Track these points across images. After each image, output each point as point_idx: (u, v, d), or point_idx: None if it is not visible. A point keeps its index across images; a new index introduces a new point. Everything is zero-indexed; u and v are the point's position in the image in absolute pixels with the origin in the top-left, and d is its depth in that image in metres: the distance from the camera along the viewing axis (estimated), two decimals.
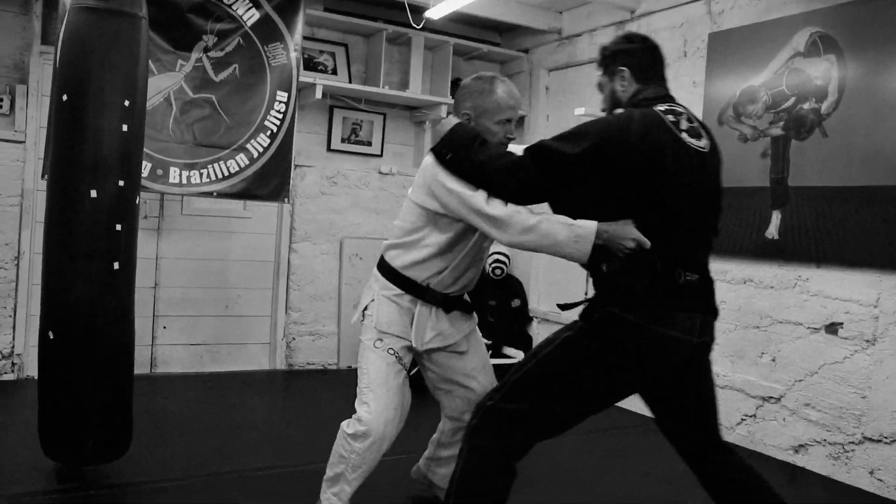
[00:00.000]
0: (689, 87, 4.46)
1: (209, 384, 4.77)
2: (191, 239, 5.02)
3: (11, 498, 2.88)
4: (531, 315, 5.53)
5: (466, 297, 2.67)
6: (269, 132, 4.60)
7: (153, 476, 3.16)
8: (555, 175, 2.09)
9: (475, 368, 2.66)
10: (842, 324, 3.64)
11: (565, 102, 5.45)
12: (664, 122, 2.10)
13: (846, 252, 3.59)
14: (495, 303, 5.37)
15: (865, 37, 3.54)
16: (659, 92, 2.24)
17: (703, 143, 2.19)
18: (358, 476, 2.47)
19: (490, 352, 5.23)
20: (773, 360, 3.94)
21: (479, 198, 2.21)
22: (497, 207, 2.18)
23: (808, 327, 3.78)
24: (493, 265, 5.36)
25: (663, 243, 2.07)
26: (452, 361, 2.63)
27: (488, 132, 2.40)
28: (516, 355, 5.28)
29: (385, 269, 2.57)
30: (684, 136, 2.12)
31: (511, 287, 5.48)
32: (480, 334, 2.77)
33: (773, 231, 3.91)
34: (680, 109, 2.20)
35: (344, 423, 2.50)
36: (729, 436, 4.09)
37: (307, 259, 5.34)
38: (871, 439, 3.50)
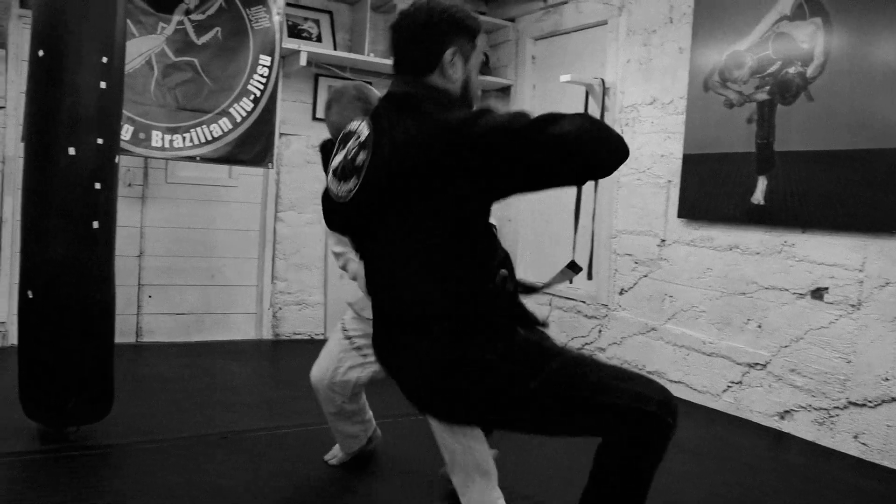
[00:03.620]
0: (674, 53, 4.44)
1: (195, 353, 4.74)
2: (175, 207, 4.97)
3: None
4: None
5: None
6: (252, 97, 4.55)
7: (136, 437, 3.14)
8: None
9: None
10: (827, 289, 3.64)
11: (551, 71, 5.41)
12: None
13: (831, 216, 3.59)
14: None
15: None
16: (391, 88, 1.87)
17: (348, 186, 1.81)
18: None
19: None
20: (759, 327, 3.94)
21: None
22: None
23: (794, 293, 3.78)
24: None
25: None
26: None
27: None
28: None
29: None
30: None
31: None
32: None
33: (759, 196, 3.90)
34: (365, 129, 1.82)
35: None
36: (714, 403, 4.11)
37: (293, 228, 5.30)
38: (855, 404, 3.51)
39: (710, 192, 4.17)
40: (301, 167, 5.32)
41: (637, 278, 4.67)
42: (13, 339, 4.50)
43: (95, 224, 2.83)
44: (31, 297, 2.82)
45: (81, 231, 2.81)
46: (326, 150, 2.61)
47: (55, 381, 2.83)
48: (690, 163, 4.29)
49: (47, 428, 2.99)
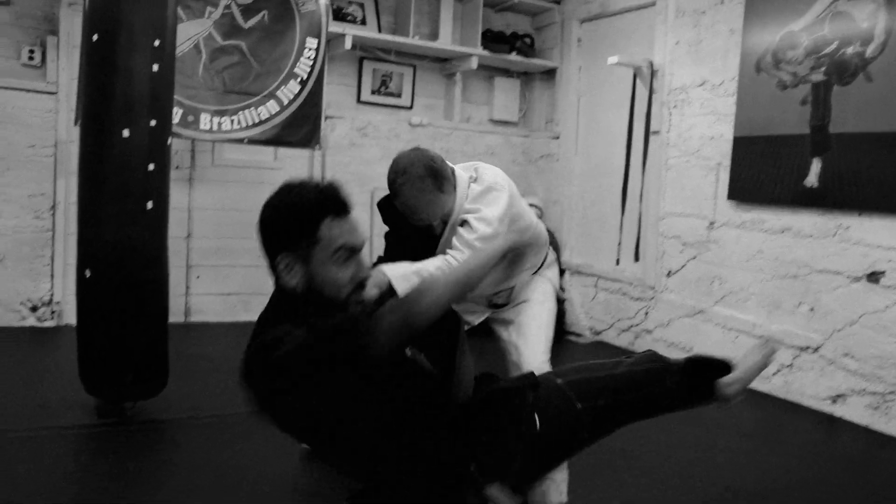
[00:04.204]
0: (725, 34, 4.35)
1: (243, 333, 4.78)
2: (222, 190, 5.03)
3: (56, 430, 2.97)
4: (563, 268, 5.49)
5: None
6: (299, 79, 4.58)
7: (188, 413, 3.22)
8: None
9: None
10: (884, 272, 3.56)
11: (598, 53, 5.35)
12: None
13: (890, 199, 3.50)
14: None
15: None
16: None
17: None
18: None
19: None
20: (812, 310, 3.87)
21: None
22: None
23: (849, 276, 3.70)
24: None
25: None
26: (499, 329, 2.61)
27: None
28: None
29: None
30: None
31: None
32: (534, 307, 2.58)
33: (812, 179, 3.82)
34: None
35: None
36: (764, 386, 4.05)
37: None
38: None
39: (762, 174, 4.09)
40: (346, 149, 5.33)
41: (685, 261, 4.61)
42: (68, 318, 4.61)
43: (149, 205, 2.88)
44: (88, 276, 2.87)
45: (136, 212, 2.86)
46: (382, 208, 2.46)
47: (112, 359, 2.89)
48: (741, 145, 4.21)
49: (105, 403, 3.06)
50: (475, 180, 2.30)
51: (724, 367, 1.96)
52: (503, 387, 1.83)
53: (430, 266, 2.11)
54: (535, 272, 2.60)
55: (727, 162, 4.31)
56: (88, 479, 2.58)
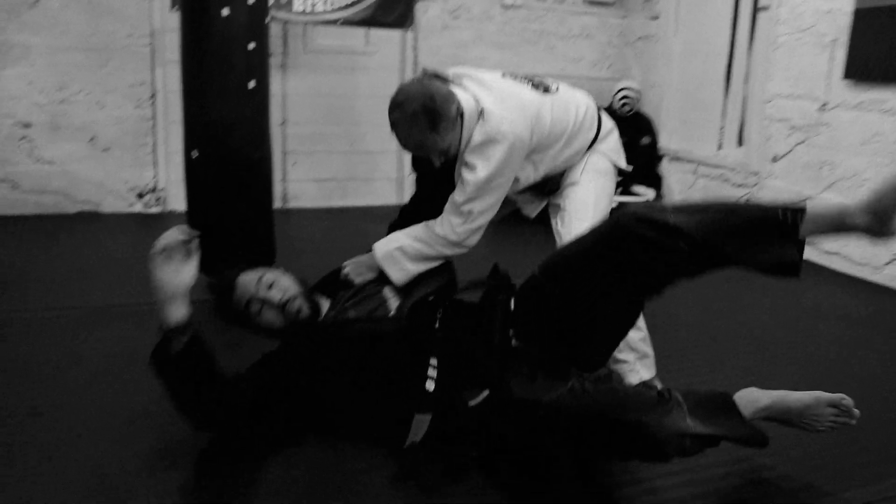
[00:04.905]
0: None
1: (339, 217, 4.89)
2: (315, 76, 5.01)
3: None
4: (661, 153, 5.33)
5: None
6: None
7: None
8: None
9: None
10: None
11: None
12: None
13: None
14: (624, 140, 5.18)
15: None
16: None
17: None
18: None
19: (619, 189, 5.10)
20: None
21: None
22: None
23: None
24: (621, 101, 5.14)
25: None
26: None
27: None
28: (646, 194, 5.13)
29: None
30: None
31: (640, 124, 5.26)
32: (580, 190, 2.46)
33: None
34: None
35: None
36: (875, 276, 3.89)
37: None
38: None
39: (885, 49, 3.80)
40: (437, 33, 5.21)
41: (792, 145, 4.40)
42: (172, 204, 4.77)
43: (251, 84, 2.88)
44: (195, 157, 2.93)
45: (239, 91, 2.87)
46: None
47: (221, 237, 2.96)
48: (862, 18, 3.90)
49: (216, 280, 3.16)
50: (482, 116, 2.20)
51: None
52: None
53: (411, 237, 2.33)
54: (589, 148, 2.44)
55: (844, 38, 4.02)
56: None
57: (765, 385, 1.87)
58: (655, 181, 5.23)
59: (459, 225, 2.28)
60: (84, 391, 2.30)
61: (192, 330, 1.80)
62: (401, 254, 2.32)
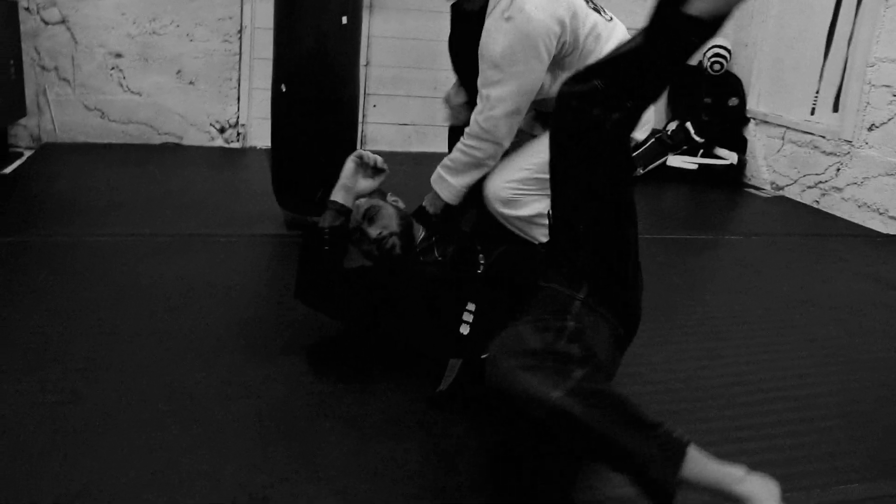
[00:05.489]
0: None
1: (417, 162, 4.87)
2: (400, 18, 4.97)
3: (249, 238, 3.17)
4: (749, 116, 5.15)
5: None
6: None
7: None
8: None
9: None
10: None
11: None
12: None
13: None
14: (711, 100, 5.03)
15: None
16: None
17: None
18: None
19: (701, 151, 4.97)
20: None
21: None
22: None
23: None
24: (712, 59, 4.97)
25: None
26: None
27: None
28: (729, 157, 4.98)
29: None
30: None
31: (729, 84, 5.08)
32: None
33: None
34: None
35: None
36: None
37: None
38: None
39: None
40: None
41: (893, 113, 4.19)
42: (252, 140, 4.83)
43: (344, 19, 2.87)
44: (283, 90, 2.95)
45: (331, 26, 2.86)
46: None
47: (305, 172, 2.99)
48: None
49: (294, 216, 3.22)
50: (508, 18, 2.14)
51: None
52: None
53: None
54: None
55: None
56: (276, 279, 2.71)
57: None
58: (740, 144, 5.08)
59: (479, 112, 2.23)
60: (164, 315, 2.35)
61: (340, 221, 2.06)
62: (444, 170, 2.35)
